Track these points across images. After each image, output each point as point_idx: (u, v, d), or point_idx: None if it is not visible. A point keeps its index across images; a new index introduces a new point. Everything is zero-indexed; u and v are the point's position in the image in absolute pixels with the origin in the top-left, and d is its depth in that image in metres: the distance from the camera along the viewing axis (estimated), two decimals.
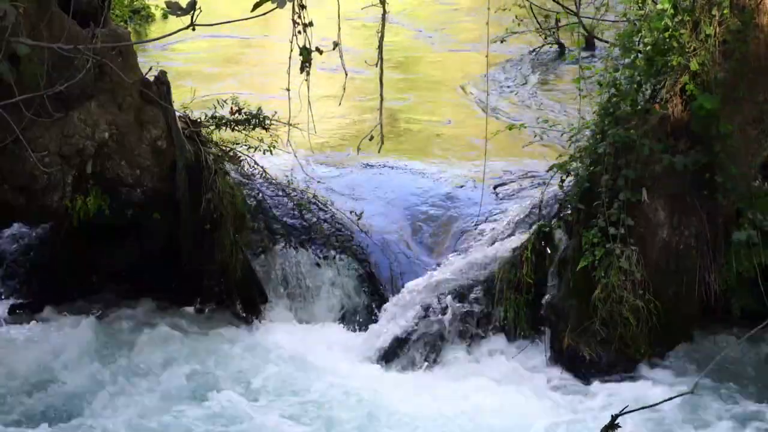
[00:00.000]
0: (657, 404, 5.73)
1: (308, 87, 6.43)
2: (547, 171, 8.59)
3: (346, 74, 6.67)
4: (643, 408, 5.03)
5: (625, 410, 4.45)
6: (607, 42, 12.05)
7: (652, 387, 7.64)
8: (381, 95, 6.96)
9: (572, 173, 8.20)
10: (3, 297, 8.97)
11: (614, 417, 4.43)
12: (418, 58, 15.52)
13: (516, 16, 13.60)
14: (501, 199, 9.50)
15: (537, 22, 14.37)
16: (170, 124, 8.29)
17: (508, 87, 13.39)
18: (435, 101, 13.17)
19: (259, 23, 13.74)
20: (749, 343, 8.05)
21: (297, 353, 8.18)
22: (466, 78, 13.73)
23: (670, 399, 5.72)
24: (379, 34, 6.90)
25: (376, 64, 6.90)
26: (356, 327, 8.68)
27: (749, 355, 8.06)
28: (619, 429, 4.55)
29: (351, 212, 9.27)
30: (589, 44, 13.76)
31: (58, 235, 8.76)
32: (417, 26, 16.95)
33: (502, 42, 13.55)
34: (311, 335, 8.56)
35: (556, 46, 14.68)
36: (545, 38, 14.54)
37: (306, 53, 6.28)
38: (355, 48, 13.29)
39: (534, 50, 14.57)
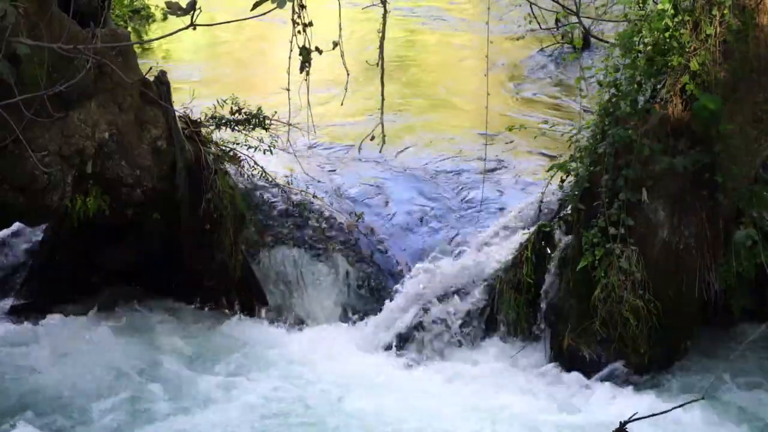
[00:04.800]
0: (667, 411, 5.68)
1: (308, 87, 6.42)
2: (547, 171, 8.59)
3: (348, 74, 6.66)
4: (653, 415, 4.96)
5: (634, 417, 4.39)
6: (607, 42, 11.96)
7: (653, 387, 7.65)
8: (382, 95, 6.94)
9: (572, 173, 8.20)
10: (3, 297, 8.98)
11: (623, 423, 4.37)
12: None
13: (528, 14, 13.34)
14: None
15: (537, 22, 14.26)
16: (170, 124, 8.29)
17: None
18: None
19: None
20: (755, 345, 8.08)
21: (296, 352, 8.19)
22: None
23: (681, 406, 5.68)
24: (381, 34, 6.88)
25: (377, 64, 6.88)
26: (356, 326, 8.68)
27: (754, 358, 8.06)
28: None
29: (351, 213, 9.28)
30: (585, 43, 13.64)
31: (58, 235, 8.76)
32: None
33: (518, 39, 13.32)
34: (310, 334, 8.57)
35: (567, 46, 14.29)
36: (562, 38, 14.18)
37: (305, 53, 6.27)
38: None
39: (542, 49, 14.25)
